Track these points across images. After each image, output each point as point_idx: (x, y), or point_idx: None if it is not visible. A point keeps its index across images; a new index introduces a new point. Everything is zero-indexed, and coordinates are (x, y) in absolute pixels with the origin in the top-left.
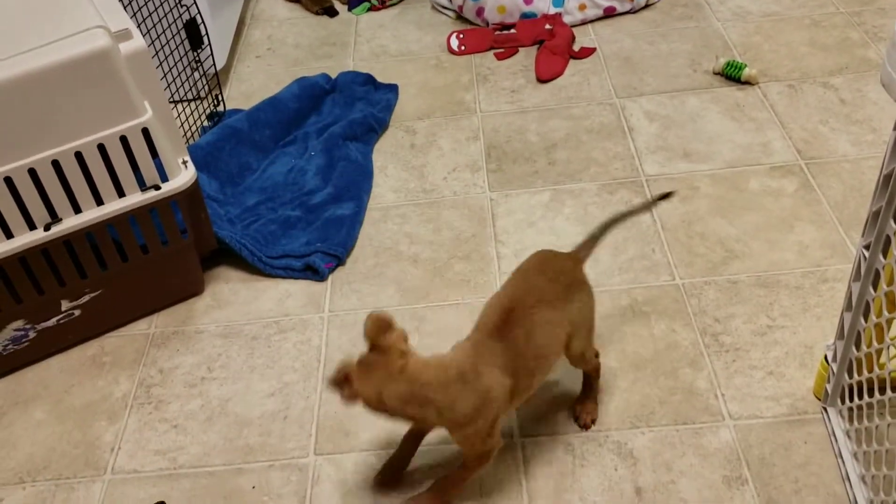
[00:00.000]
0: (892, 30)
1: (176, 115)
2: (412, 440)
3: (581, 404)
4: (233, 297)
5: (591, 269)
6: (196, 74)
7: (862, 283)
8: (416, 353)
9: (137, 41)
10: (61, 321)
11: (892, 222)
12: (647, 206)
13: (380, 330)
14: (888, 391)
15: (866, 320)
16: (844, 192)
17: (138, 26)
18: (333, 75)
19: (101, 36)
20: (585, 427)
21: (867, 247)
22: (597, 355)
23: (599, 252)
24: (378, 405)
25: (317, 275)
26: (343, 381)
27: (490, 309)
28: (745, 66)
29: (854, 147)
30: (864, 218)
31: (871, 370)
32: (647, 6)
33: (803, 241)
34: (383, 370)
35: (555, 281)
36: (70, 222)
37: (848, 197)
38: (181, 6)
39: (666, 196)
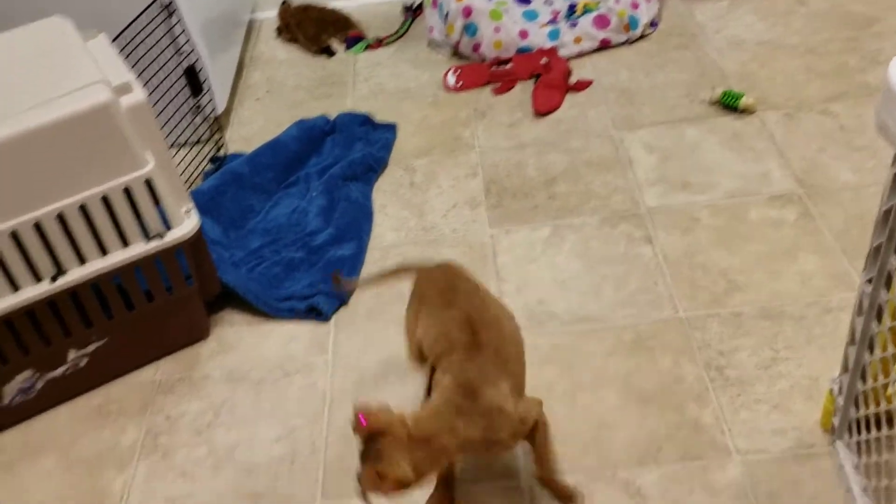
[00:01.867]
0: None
1: (178, 160)
2: (444, 482)
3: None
4: (238, 342)
5: (593, 302)
6: (197, 119)
7: (865, 318)
8: (405, 415)
9: (138, 94)
10: (68, 371)
11: (893, 258)
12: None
13: (379, 420)
14: None
15: (871, 354)
16: (846, 220)
17: (139, 75)
18: (333, 114)
19: (102, 91)
20: None
21: (870, 281)
22: None
23: (601, 285)
24: (415, 478)
25: (321, 316)
26: (373, 481)
27: (447, 335)
28: (743, 94)
29: (855, 174)
30: (868, 246)
31: (878, 404)
32: (642, 37)
33: (806, 271)
34: (398, 447)
35: (473, 290)
36: (75, 274)
37: (850, 225)
38: (180, 54)
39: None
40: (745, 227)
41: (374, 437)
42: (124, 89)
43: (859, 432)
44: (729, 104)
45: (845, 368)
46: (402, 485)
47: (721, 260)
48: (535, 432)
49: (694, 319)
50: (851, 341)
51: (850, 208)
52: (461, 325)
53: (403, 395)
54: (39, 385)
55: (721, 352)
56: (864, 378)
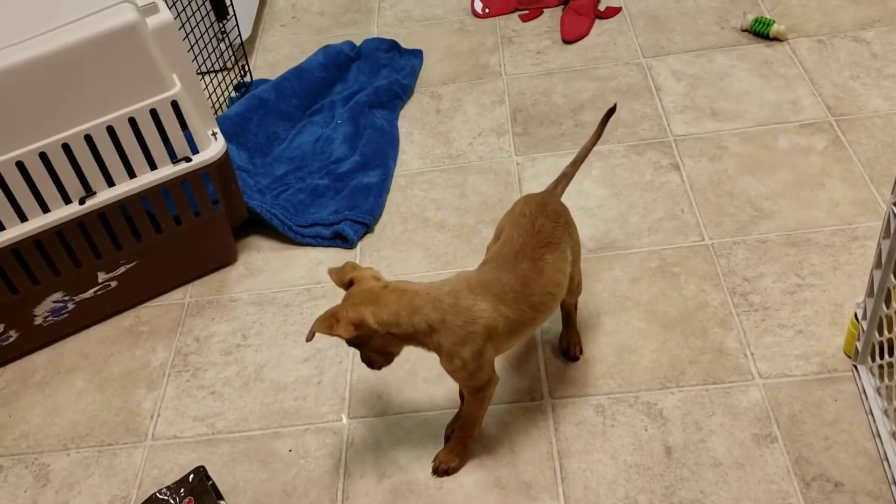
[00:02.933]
0: None
1: (203, 86)
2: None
3: (568, 337)
4: (265, 266)
5: (619, 229)
6: (222, 45)
7: (892, 241)
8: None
9: (164, 14)
10: (98, 292)
11: None
12: (601, 131)
13: (344, 271)
14: None
15: None
16: (876, 148)
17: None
18: (358, 42)
19: (129, 10)
20: (575, 358)
21: None
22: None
23: (628, 213)
24: (373, 325)
25: (346, 242)
26: (331, 319)
27: (501, 246)
28: (774, 22)
29: (886, 102)
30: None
31: None
32: None
33: (833, 199)
34: (367, 293)
35: (556, 222)
36: (104, 195)
37: (879, 153)
38: None
39: (611, 112)
40: (774, 154)
41: (350, 286)
42: (150, 10)
43: (881, 356)
44: (760, 31)
45: (870, 292)
46: (358, 328)
47: (748, 188)
48: (474, 397)
49: (719, 246)
50: (877, 265)
51: (879, 136)
52: (516, 248)
53: None
54: (71, 306)
55: (746, 278)
56: (888, 302)
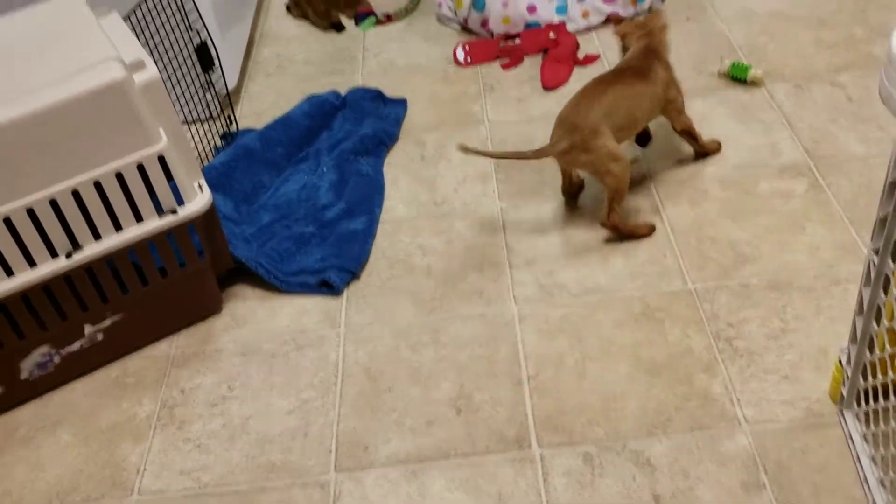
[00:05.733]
0: (890, 41)
1: (189, 136)
2: (568, 182)
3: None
4: (250, 316)
5: (601, 274)
6: (208, 95)
7: (872, 288)
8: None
9: (151, 70)
10: (84, 345)
11: None
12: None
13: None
14: None
15: (878, 324)
16: (854, 191)
17: (151, 53)
18: (343, 91)
19: (117, 68)
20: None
21: (876, 251)
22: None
23: (611, 257)
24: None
25: (332, 290)
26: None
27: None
28: (751, 67)
29: (863, 145)
30: (875, 216)
31: (885, 373)
32: (650, 10)
33: (814, 242)
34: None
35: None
36: (91, 249)
37: (858, 196)
38: (191, 30)
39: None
40: (754, 198)
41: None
42: (137, 66)
43: (867, 402)
44: (737, 76)
45: (853, 338)
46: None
47: (730, 232)
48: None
49: (703, 291)
50: (859, 311)
51: (858, 179)
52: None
53: (418, 366)
54: (56, 360)
55: (730, 323)
56: (871, 348)
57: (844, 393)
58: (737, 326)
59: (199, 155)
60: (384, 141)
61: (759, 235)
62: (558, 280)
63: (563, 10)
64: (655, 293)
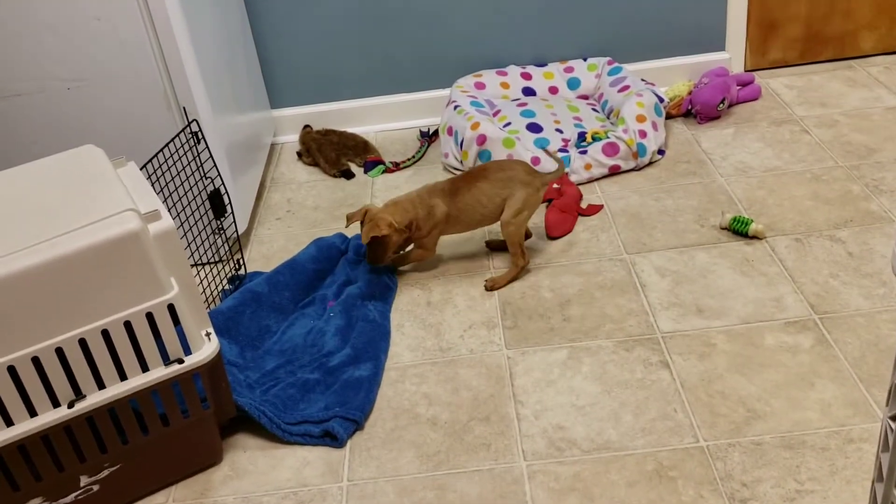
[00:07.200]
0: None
1: (198, 279)
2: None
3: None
4: (251, 467)
5: (613, 429)
6: (219, 240)
7: (892, 455)
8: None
9: (166, 221)
10: (79, 497)
11: None
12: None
13: (360, 211)
14: None
15: None
16: (861, 347)
17: (165, 200)
18: (350, 234)
19: (132, 219)
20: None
21: (893, 417)
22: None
23: (620, 412)
24: (397, 224)
25: (335, 441)
26: (371, 223)
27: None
28: (752, 220)
29: (867, 300)
30: (884, 374)
31: None
32: (650, 164)
33: (825, 399)
34: (383, 211)
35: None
36: (94, 399)
37: (866, 352)
38: (206, 178)
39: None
40: (762, 353)
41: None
42: (153, 217)
43: None
44: (738, 230)
45: None
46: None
47: (739, 387)
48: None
49: (715, 448)
50: (878, 478)
51: (863, 335)
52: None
53: None
54: None
55: (744, 483)
56: None
57: None
58: (751, 487)
59: (207, 298)
60: (390, 286)
61: (769, 391)
62: (568, 435)
63: (566, 162)
64: (667, 450)
